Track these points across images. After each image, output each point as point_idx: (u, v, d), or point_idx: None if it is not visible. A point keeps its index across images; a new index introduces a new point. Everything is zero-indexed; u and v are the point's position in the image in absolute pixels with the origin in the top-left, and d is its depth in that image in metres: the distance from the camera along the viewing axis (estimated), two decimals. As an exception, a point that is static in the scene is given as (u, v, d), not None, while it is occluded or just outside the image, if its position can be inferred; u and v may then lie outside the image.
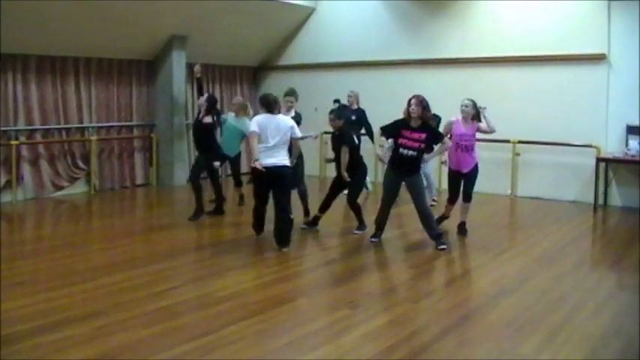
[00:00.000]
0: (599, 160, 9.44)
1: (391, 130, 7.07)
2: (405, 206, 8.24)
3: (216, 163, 8.77)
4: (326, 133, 11.63)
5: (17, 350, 4.17)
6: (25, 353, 4.15)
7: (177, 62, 11.60)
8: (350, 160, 7.56)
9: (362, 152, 7.95)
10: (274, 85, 13.35)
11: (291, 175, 7.18)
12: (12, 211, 9.37)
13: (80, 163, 10.82)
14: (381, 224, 7.35)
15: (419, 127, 6.85)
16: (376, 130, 8.14)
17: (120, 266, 6.27)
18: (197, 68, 9.29)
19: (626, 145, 9.30)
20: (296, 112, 8.26)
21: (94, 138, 10.85)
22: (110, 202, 10.49)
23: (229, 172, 10.31)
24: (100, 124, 11.10)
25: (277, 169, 6.79)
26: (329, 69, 12.48)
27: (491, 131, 7.64)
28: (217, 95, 12.07)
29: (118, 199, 10.79)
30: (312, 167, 10.30)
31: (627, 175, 9.55)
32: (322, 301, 5.48)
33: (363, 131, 10.08)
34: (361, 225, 7.83)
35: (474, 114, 7.46)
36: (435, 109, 7.27)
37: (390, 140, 7.33)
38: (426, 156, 7.07)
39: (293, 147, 7.24)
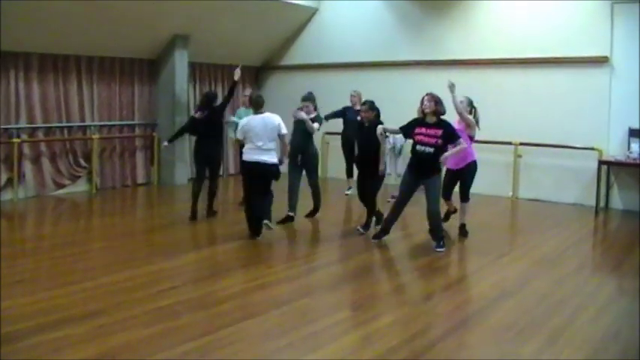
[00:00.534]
0: (600, 162, 9.42)
1: (408, 128, 7.06)
2: (409, 207, 8.21)
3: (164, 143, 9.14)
4: (327, 133, 11.70)
5: (17, 349, 4.17)
6: (25, 352, 4.14)
7: (180, 61, 11.61)
8: (376, 155, 7.57)
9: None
10: (276, 85, 13.41)
11: (278, 172, 7.40)
12: (13, 209, 9.38)
13: (82, 162, 10.83)
14: (387, 225, 7.29)
15: (435, 124, 6.83)
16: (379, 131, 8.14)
17: (120, 265, 6.26)
18: (238, 71, 8.82)
19: (628, 148, 9.28)
20: (317, 114, 8.39)
21: (95, 136, 10.85)
22: (111, 201, 10.50)
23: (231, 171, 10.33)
24: (101, 123, 11.11)
25: (264, 166, 7.24)
26: (331, 69, 12.48)
27: (462, 117, 7.37)
28: (220, 95, 12.11)
29: (119, 198, 10.80)
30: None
31: (629, 178, 9.54)
32: (323, 302, 5.47)
33: None
34: (367, 225, 7.84)
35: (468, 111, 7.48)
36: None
37: (392, 137, 7.25)
38: (442, 157, 6.80)
39: (281, 144, 7.48)
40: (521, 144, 10.26)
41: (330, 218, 8.71)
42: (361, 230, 7.77)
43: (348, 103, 10.30)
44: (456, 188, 7.75)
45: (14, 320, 4.66)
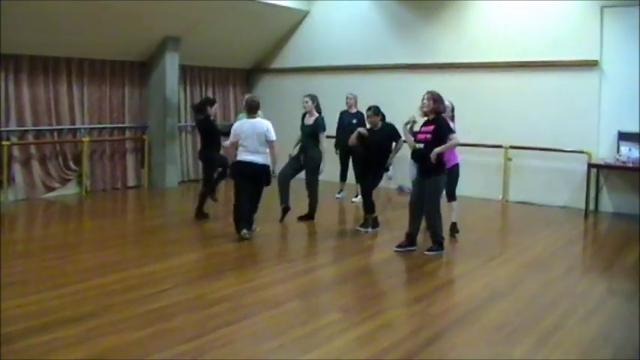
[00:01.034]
0: (590, 165, 9.48)
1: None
2: (401, 209, 8.25)
3: None
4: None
5: (7, 352, 4.14)
6: (16, 355, 4.12)
7: (171, 64, 11.59)
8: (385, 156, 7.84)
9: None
10: (267, 87, 13.40)
11: (268, 175, 7.53)
12: (3, 211, 9.30)
13: (72, 165, 10.78)
14: (411, 235, 7.13)
15: (431, 121, 6.90)
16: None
17: (111, 268, 6.24)
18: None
19: (618, 151, 9.35)
20: (319, 116, 8.59)
21: (85, 139, 10.81)
22: (102, 204, 10.45)
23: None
24: (92, 126, 11.06)
25: (255, 166, 7.39)
26: (322, 72, 12.48)
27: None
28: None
29: (110, 201, 10.75)
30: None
31: (618, 181, 9.60)
32: (315, 304, 5.48)
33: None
34: (366, 223, 7.94)
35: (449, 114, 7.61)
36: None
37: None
38: (432, 152, 6.73)
39: (270, 150, 7.52)
40: (512, 147, 10.30)
41: (322, 220, 8.71)
42: (361, 230, 7.96)
43: (339, 106, 10.29)
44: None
45: (5, 323, 4.62)
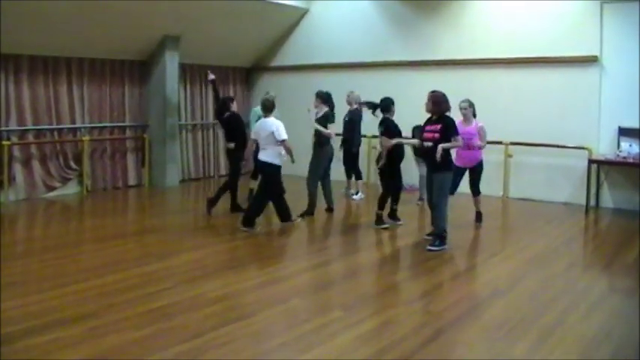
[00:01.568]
0: (591, 161, 9.46)
1: (419, 129, 7.59)
2: (404, 206, 8.24)
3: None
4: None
5: (8, 352, 4.15)
6: (16, 355, 4.13)
7: (170, 63, 11.58)
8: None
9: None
10: (267, 86, 13.33)
11: (277, 172, 7.90)
12: (3, 211, 9.32)
13: (72, 164, 10.79)
14: (442, 229, 7.15)
15: (436, 120, 7.08)
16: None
17: (112, 267, 6.24)
18: (210, 75, 9.56)
19: (618, 147, 9.33)
20: (325, 112, 8.82)
21: (86, 138, 10.81)
22: (102, 203, 10.45)
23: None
24: (92, 125, 11.06)
25: (262, 164, 7.89)
26: (322, 70, 12.46)
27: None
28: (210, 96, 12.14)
29: (110, 200, 10.75)
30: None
31: (619, 177, 9.59)
32: (315, 303, 5.48)
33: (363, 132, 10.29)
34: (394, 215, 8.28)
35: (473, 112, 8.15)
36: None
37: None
38: (439, 147, 6.86)
39: (284, 149, 7.78)
40: (512, 143, 10.29)
41: (322, 218, 8.71)
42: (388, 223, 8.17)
43: (340, 104, 10.25)
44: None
45: (5, 323, 4.63)
